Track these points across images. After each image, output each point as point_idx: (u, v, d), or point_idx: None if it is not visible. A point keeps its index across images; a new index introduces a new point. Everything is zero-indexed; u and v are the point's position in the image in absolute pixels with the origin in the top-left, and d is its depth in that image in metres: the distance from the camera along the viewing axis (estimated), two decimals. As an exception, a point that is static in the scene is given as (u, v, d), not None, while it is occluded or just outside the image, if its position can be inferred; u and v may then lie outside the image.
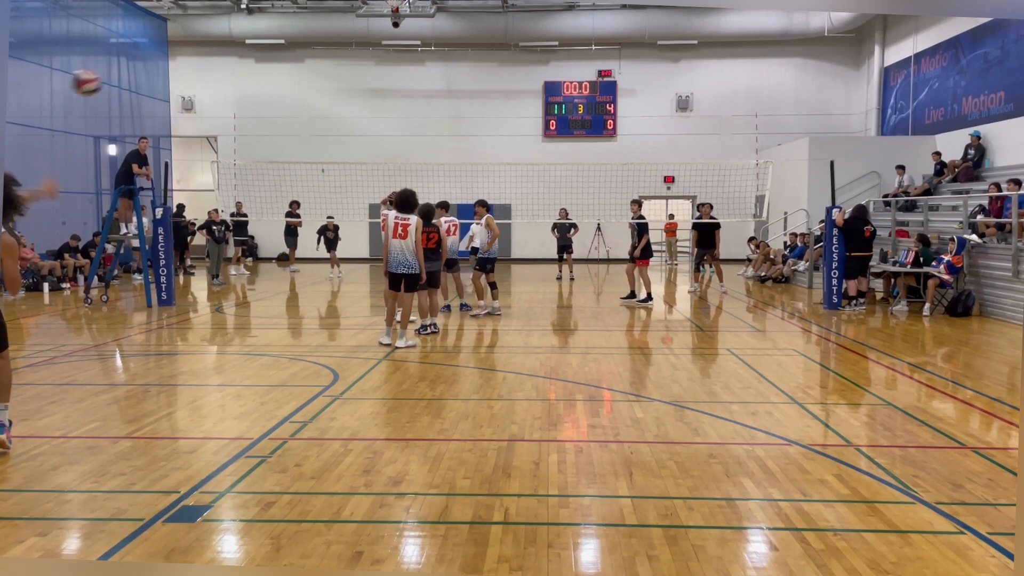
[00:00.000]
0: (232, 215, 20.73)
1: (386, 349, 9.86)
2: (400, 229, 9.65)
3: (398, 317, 9.98)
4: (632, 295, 14.87)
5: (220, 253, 19.42)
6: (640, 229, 14.50)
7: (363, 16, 24.35)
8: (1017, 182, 13.87)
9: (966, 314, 12.81)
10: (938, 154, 19.10)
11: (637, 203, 14.82)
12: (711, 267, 21.97)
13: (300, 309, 14.64)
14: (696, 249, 17.58)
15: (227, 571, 3.60)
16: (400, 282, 9.79)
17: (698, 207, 18.00)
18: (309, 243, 21.61)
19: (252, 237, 25.78)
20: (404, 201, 9.79)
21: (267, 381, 8.11)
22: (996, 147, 17.74)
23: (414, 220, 9.68)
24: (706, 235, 17.22)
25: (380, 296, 16.00)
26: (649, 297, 14.53)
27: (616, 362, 9.21)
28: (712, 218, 17.31)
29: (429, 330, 10.80)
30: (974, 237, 13.59)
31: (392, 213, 9.81)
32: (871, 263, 14.39)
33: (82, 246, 18.44)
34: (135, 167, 14.40)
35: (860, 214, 14.09)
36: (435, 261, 10.90)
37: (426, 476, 5.09)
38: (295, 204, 20.87)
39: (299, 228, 21.11)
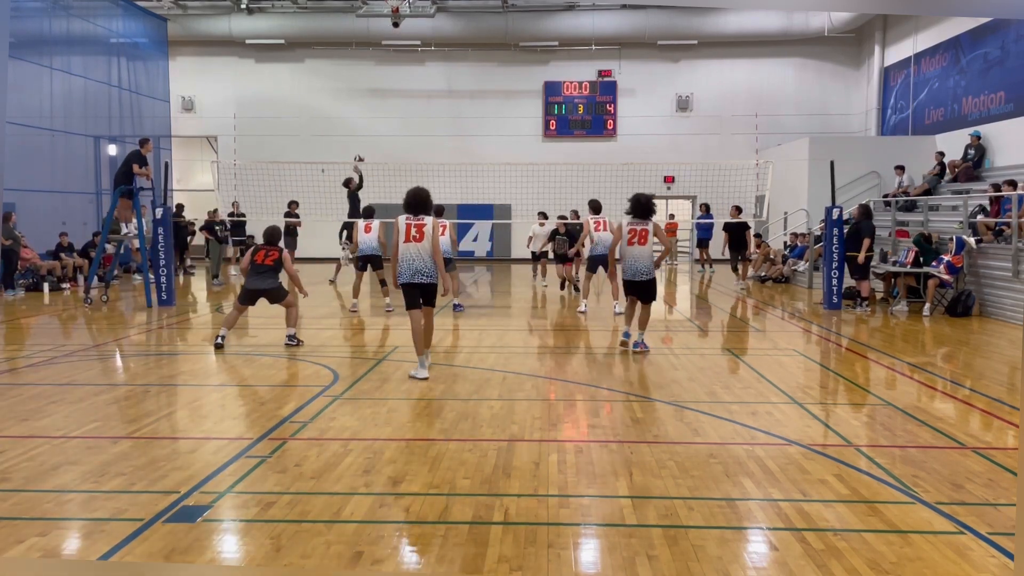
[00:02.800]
0: (229, 215, 20.72)
1: (385, 349, 9.85)
2: (414, 231, 8.06)
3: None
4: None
5: (221, 253, 19.41)
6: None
7: (363, 16, 24.34)
8: (1013, 183, 13.87)
9: (966, 314, 12.81)
10: (941, 154, 19.07)
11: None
12: (711, 267, 21.98)
13: (300, 309, 14.63)
14: (729, 251, 18.46)
15: (227, 571, 3.61)
16: (418, 295, 8.09)
17: (733, 208, 19.01)
18: (308, 243, 21.60)
19: (251, 236, 25.79)
20: (416, 202, 8.19)
21: (267, 381, 8.11)
22: (996, 147, 17.74)
23: (429, 220, 8.17)
24: (738, 236, 18.14)
25: (381, 296, 15.99)
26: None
27: (616, 362, 9.21)
28: (741, 219, 18.34)
29: (294, 342, 10.03)
30: (971, 240, 13.55)
31: (402, 217, 8.26)
32: (872, 263, 14.40)
33: (82, 246, 18.43)
34: (135, 167, 14.39)
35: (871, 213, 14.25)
36: (272, 278, 10.12)
37: (426, 476, 5.09)
38: (294, 204, 20.82)
39: (298, 228, 21.06)
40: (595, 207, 13.24)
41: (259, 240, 11.66)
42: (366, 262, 13.36)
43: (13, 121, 16.90)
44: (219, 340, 9.96)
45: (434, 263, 8.04)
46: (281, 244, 10.48)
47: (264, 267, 10.21)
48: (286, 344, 10.04)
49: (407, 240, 8.05)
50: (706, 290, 17.79)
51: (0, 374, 8.56)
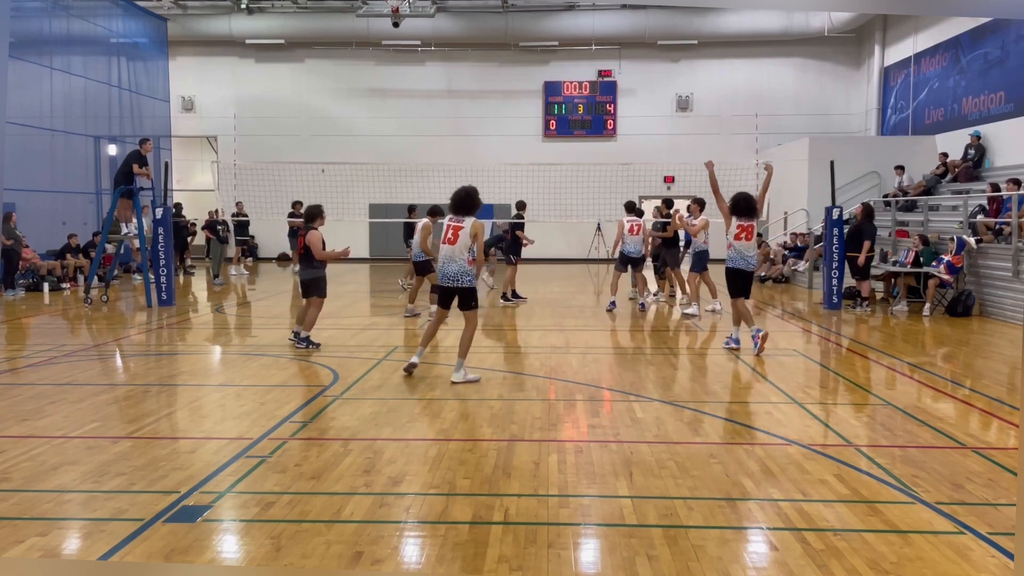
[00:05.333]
0: (232, 215, 20.75)
1: (385, 349, 9.85)
2: (451, 232, 7.94)
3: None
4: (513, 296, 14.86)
5: (222, 253, 19.41)
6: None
7: (363, 16, 24.35)
8: (1016, 182, 13.86)
9: (966, 314, 12.80)
10: (944, 155, 19.05)
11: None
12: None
13: (300, 309, 14.63)
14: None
15: (227, 571, 3.60)
16: (451, 298, 8.05)
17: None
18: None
19: (253, 237, 25.83)
20: (460, 202, 8.06)
21: (267, 381, 8.11)
22: (996, 147, 17.73)
23: (468, 223, 7.92)
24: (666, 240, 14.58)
25: (381, 295, 16.00)
26: (513, 295, 14.89)
27: (616, 362, 9.21)
28: (665, 219, 14.81)
29: (305, 344, 9.76)
30: (971, 240, 13.55)
31: (447, 217, 8.17)
32: (872, 263, 14.40)
33: (82, 246, 18.44)
34: (135, 167, 14.41)
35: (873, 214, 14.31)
36: (310, 269, 9.89)
37: (426, 476, 5.09)
38: (298, 204, 20.75)
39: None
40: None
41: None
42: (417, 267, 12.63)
43: (13, 121, 16.89)
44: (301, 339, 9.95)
45: (466, 267, 7.88)
46: (314, 226, 9.93)
47: (301, 256, 10.00)
48: (289, 339, 9.89)
49: (444, 241, 8.02)
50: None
51: (0, 374, 8.56)
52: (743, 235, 9.62)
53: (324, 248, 9.77)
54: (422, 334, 8.41)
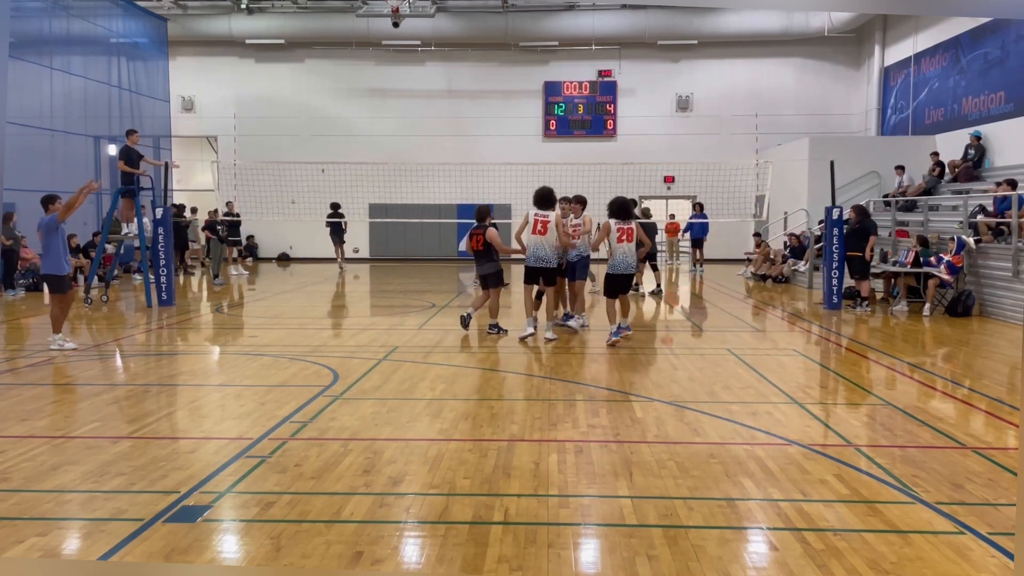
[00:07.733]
0: (224, 214, 20.72)
1: (385, 349, 9.85)
2: (540, 225, 10.22)
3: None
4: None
5: (222, 253, 19.41)
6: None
7: (363, 16, 24.35)
8: (1012, 183, 13.86)
9: (966, 314, 12.80)
10: (936, 154, 19.09)
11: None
12: (702, 267, 21.87)
13: (300, 309, 14.62)
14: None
15: (227, 571, 3.60)
16: (537, 276, 10.43)
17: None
18: (312, 243, 21.62)
19: (251, 237, 25.82)
20: (543, 198, 10.34)
21: (267, 381, 8.11)
22: (996, 147, 17.73)
23: (553, 216, 10.26)
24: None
25: (381, 296, 16.01)
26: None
27: (616, 362, 9.20)
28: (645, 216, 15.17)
29: (495, 331, 10.72)
30: (971, 240, 13.54)
31: (533, 211, 10.37)
32: (871, 263, 14.39)
33: (82, 246, 18.43)
34: (120, 164, 14.51)
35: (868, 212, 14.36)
36: (487, 263, 10.63)
37: (426, 476, 5.09)
38: (336, 205, 21.35)
39: (344, 225, 21.55)
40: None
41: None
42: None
43: (13, 121, 16.88)
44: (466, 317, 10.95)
45: (554, 252, 10.34)
46: (487, 222, 10.62)
47: (476, 253, 10.63)
48: (497, 332, 10.69)
49: (534, 232, 10.25)
50: (701, 289, 17.78)
51: (0, 374, 8.56)
52: (624, 237, 10.08)
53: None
54: (526, 308, 10.42)
